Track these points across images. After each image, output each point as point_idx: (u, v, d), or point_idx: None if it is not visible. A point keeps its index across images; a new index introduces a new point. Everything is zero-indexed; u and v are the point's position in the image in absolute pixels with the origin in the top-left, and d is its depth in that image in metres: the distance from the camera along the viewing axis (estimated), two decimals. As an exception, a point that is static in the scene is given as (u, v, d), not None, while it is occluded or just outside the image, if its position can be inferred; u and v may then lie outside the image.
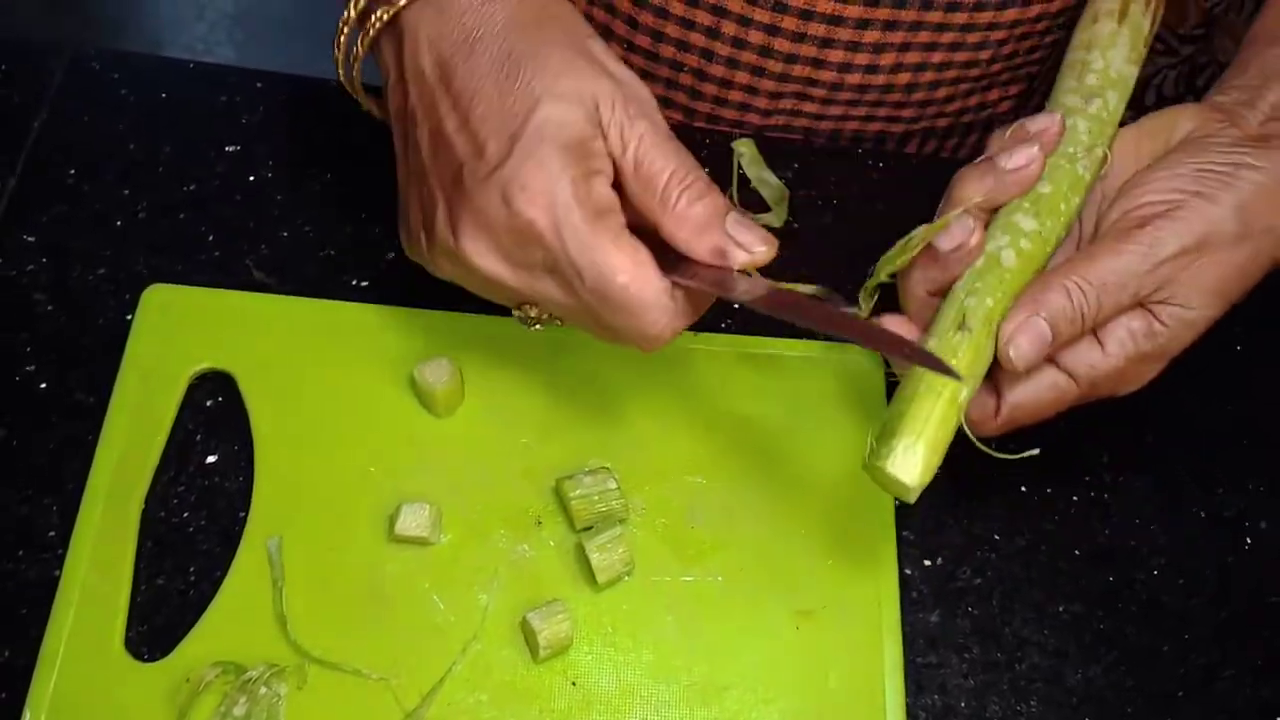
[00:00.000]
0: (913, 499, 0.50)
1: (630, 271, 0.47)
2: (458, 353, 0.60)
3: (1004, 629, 0.60)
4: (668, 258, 0.49)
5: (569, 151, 0.46)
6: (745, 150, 0.69)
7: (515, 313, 0.52)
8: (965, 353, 0.51)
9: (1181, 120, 0.56)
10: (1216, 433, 0.66)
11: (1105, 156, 0.55)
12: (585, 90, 0.47)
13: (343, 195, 0.65)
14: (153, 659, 0.53)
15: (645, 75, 0.72)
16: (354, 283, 0.63)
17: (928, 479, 0.49)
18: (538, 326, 0.53)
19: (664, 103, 0.73)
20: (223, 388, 0.60)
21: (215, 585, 0.55)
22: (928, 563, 0.61)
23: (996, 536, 0.62)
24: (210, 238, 0.63)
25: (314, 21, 1.90)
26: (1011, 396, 0.54)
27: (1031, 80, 0.76)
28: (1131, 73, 0.58)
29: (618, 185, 0.49)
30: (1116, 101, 0.56)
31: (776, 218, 0.68)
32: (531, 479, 0.59)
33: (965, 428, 0.50)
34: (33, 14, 1.80)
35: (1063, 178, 0.54)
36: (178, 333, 0.60)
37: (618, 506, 0.57)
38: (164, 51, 1.87)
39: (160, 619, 0.55)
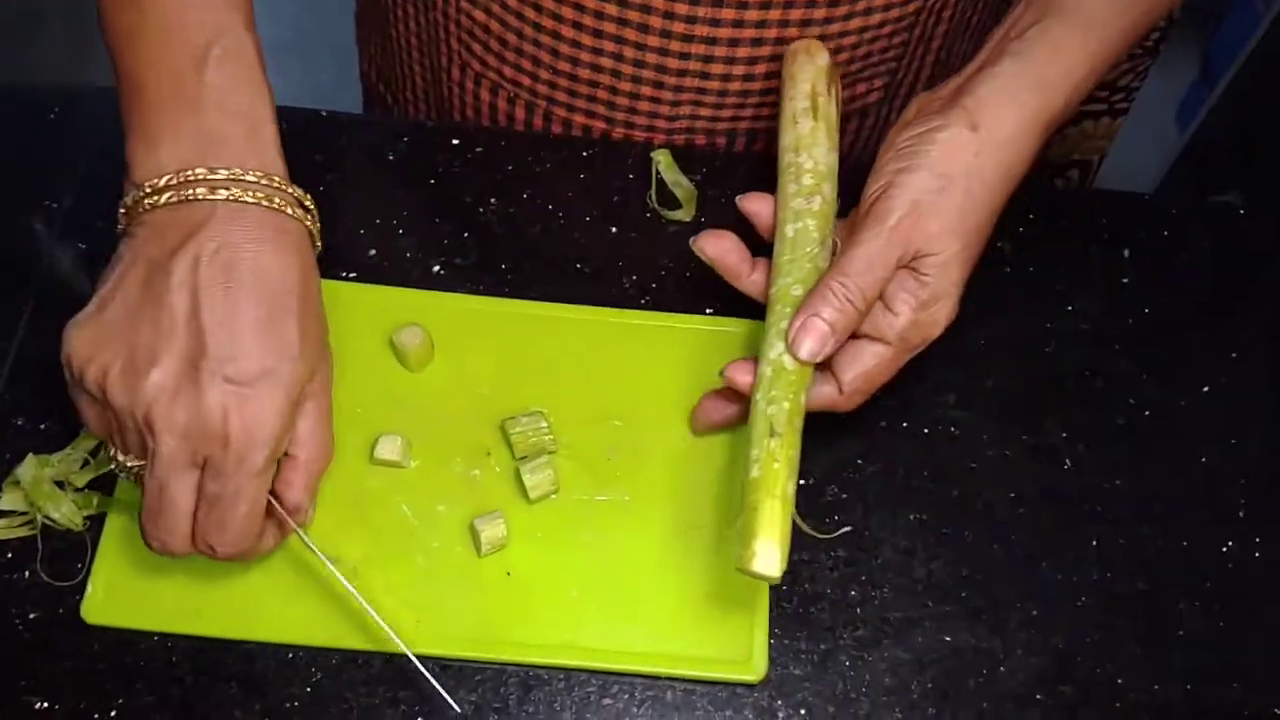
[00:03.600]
0: (777, 581, 0.61)
1: (255, 513, 0.61)
2: (430, 322, 0.75)
3: (864, 533, 0.74)
4: None
5: (289, 407, 0.60)
6: (661, 158, 0.85)
7: (108, 451, 0.63)
8: (782, 451, 0.62)
9: (909, 109, 0.69)
10: (1045, 374, 0.79)
11: (835, 243, 0.68)
12: (310, 368, 0.62)
13: (333, 207, 0.81)
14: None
15: (569, 93, 0.87)
16: (343, 275, 0.79)
17: (785, 565, 0.60)
18: (122, 474, 0.63)
19: (588, 114, 0.87)
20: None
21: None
22: (803, 481, 0.74)
23: (859, 461, 0.76)
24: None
25: (307, 44, 2.08)
26: (845, 375, 0.67)
27: (893, 74, 0.88)
28: (835, 159, 0.70)
29: None
30: (830, 189, 0.69)
31: (687, 214, 0.83)
32: (484, 420, 0.74)
33: (797, 519, 0.63)
34: (67, 53, 1.98)
35: (809, 275, 0.66)
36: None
37: (548, 441, 0.72)
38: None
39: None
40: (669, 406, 0.76)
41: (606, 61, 0.84)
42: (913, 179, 0.65)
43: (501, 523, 0.69)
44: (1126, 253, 0.85)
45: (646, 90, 0.85)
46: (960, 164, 0.65)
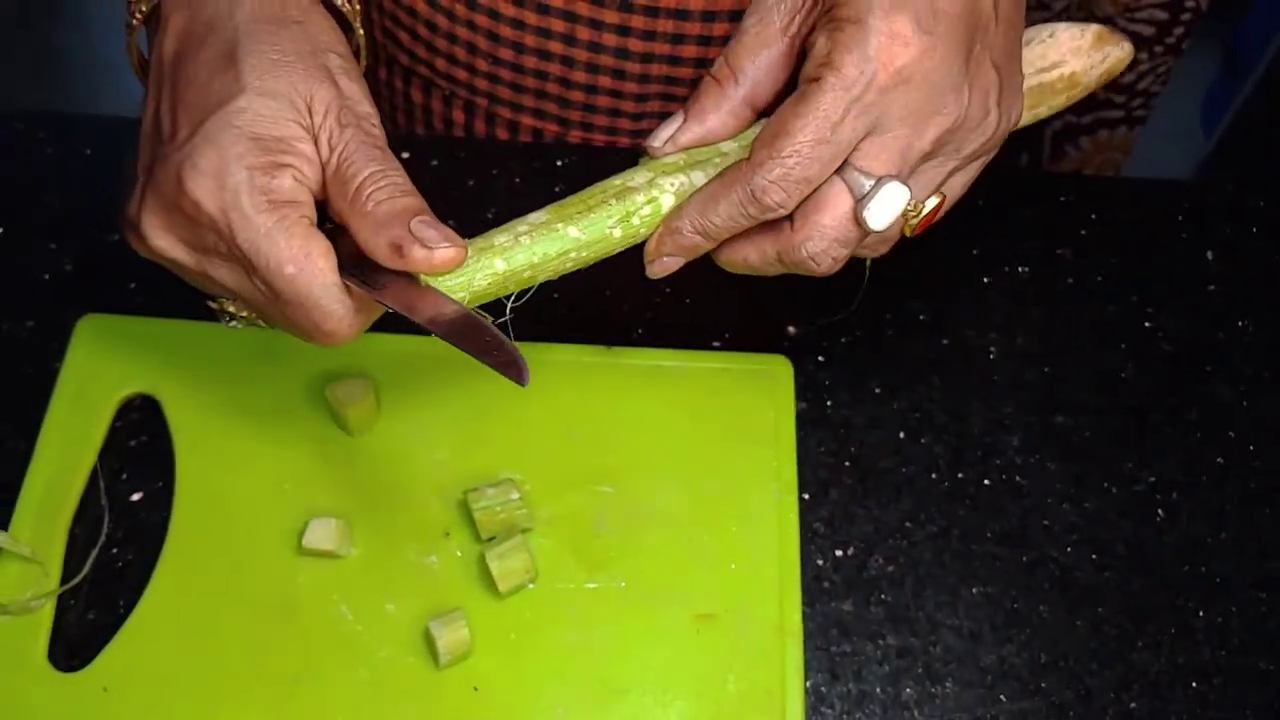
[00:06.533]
0: None
1: (299, 263, 0.46)
2: (374, 372, 0.63)
3: (917, 614, 0.60)
4: (367, 270, 0.48)
5: (256, 142, 0.47)
6: (651, 166, 0.71)
7: (211, 304, 0.53)
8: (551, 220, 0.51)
9: None
10: (1125, 410, 0.67)
11: None
12: (299, 91, 0.48)
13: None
14: (73, 670, 0.56)
15: (515, 89, 0.74)
16: (271, 318, 0.66)
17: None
18: (234, 324, 0.53)
19: (537, 115, 0.75)
20: (148, 423, 0.62)
21: (135, 598, 0.58)
22: (839, 553, 0.61)
23: (908, 524, 0.63)
24: (132, 285, 0.66)
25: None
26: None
27: None
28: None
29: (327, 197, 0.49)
30: None
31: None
32: (442, 493, 0.61)
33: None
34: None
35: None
36: (107, 359, 0.63)
37: (520, 517, 0.59)
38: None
39: (81, 631, 0.58)
40: (669, 465, 0.63)
41: (556, 46, 0.70)
42: None
43: (463, 624, 0.56)
44: (1210, 255, 0.71)
45: (605, 81, 0.72)
46: None
